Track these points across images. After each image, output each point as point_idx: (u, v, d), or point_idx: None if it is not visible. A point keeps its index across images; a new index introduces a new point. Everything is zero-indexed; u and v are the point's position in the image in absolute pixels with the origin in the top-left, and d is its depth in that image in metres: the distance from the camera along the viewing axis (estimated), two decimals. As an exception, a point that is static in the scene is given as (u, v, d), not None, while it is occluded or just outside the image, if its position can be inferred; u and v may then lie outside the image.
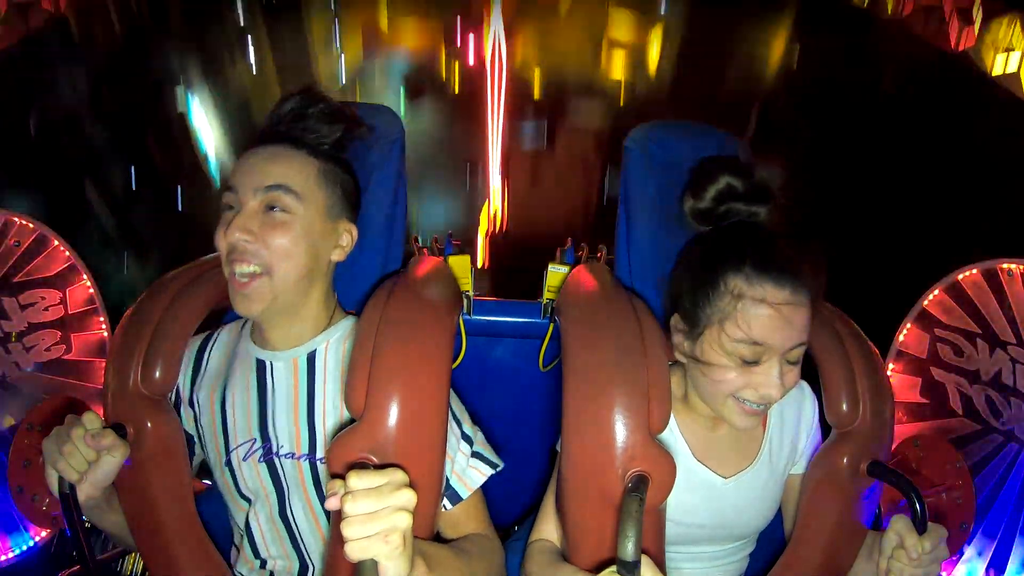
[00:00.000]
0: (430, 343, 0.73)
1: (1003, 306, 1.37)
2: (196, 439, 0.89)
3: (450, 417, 0.80)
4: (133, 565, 1.38)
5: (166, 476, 0.81)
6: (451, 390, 0.79)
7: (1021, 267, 1.36)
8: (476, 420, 0.89)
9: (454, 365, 0.88)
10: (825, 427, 0.90)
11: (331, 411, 0.82)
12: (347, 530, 0.57)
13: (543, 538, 0.86)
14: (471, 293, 1.14)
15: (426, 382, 0.71)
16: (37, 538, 1.39)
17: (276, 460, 0.83)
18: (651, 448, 0.69)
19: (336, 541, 0.65)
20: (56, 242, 1.50)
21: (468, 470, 0.84)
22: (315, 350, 0.84)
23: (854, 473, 0.83)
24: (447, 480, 0.82)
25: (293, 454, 0.82)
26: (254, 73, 3.32)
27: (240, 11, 3.24)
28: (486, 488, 0.86)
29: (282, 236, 0.78)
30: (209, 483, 1.01)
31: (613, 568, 0.60)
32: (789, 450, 0.90)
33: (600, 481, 0.70)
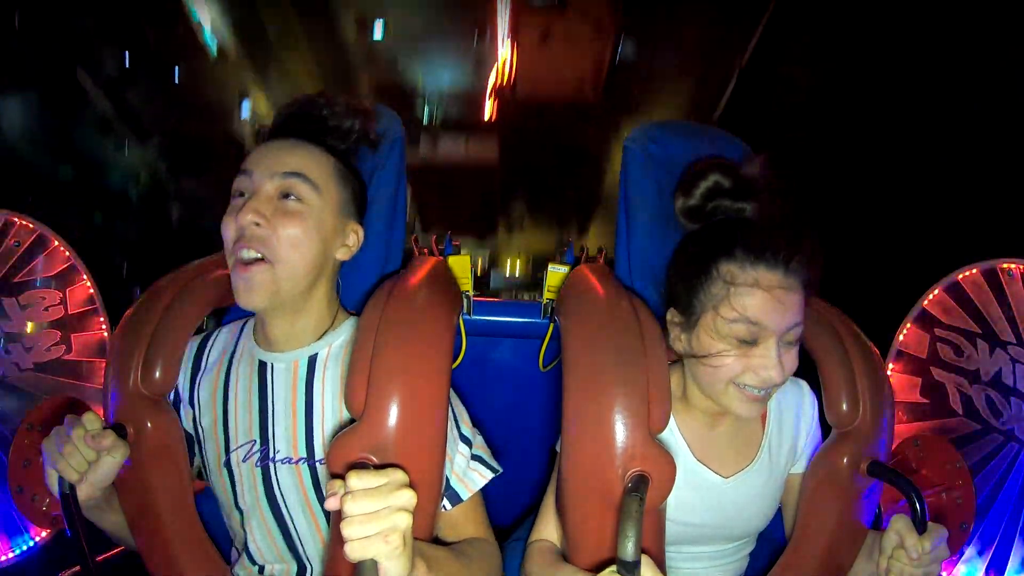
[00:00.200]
0: (430, 343, 0.73)
1: (1003, 306, 1.37)
2: (195, 439, 0.88)
3: (450, 417, 0.80)
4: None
5: (166, 476, 0.81)
6: (451, 391, 0.79)
7: (1021, 267, 1.36)
8: (476, 420, 0.89)
9: (454, 365, 0.88)
10: (825, 427, 0.90)
11: (329, 415, 0.82)
12: (347, 530, 0.57)
13: (543, 538, 0.86)
14: (471, 293, 1.14)
15: (426, 382, 0.71)
16: (37, 538, 1.39)
17: (271, 466, 0.82)
18: (651, 448, 0.69)
19: (336, 541, 0.65)
20: (56, 242, 1.49)
21: (469, 472, 0.84)
22: (316, 354, 0.84)
23: (854, 473, 0.83)
24: (447, 480, 0.82)
25: (290, 458, 0.82)
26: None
27: None
28: (485, 488, 0.86)
29: (294, 226, 0.77)
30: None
31: (613, 568, 0.60)
32: (789, 450, 0.90)
33: (600, 481, 0.70)
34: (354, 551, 0.57)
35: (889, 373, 1.49)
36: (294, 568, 0.85)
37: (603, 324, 0.76)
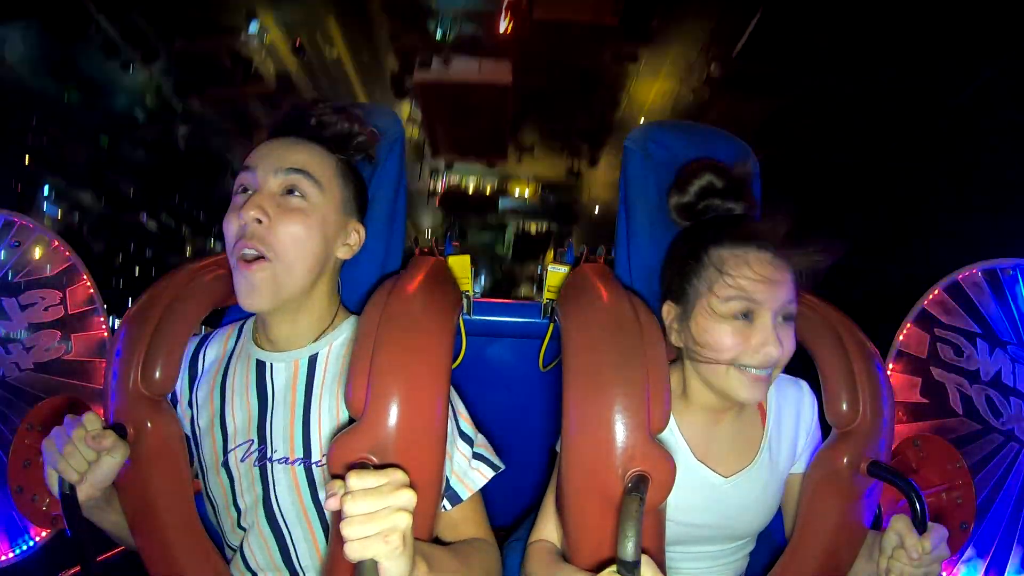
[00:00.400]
0: (430, 343, 0.73)
1: (1003, 306, 1.37)
2: (192, 440, 0.88)
3: (450, 416, 0.80)
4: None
5: (166, 476, 0.81)
6: (452, 389, 0.79)
7: (1021, 267, 1.36)
8: (476, 420, 0.89)
9: (454, 365, 0.88)
10: (825, 427, 0.90)
11: (327, 416, 0.81)
12: (347, 530, 0.57)
13: (543, 538, 0.86)
14: (471, 293, 1.14)
15: (426, 382, 0.71)
16: (37, 538, 1.39)
17: (268, 465, 0.82)
18: (651, 448, 0.69)
19: (336, 541, 0.65)
20: (56, 242, 1.50)
21: (470, 472, 0.83)
22: (317, 353, 0.84)
23: (854, 473, 0.83)
24: (447, 480, 0.82)
25: (287, 459, 0.81)
26: None
27: None
28: (486, 488, 0.86)
29: (296, 224, 0.77)
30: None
31: (613, 568, 0.60)
32: (789, 449, 0.90)
33: (600, 481, 0.70)
34: (354, 551, 0.57)
35: (889, 373, 1.49)
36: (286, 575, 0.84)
37: (603, 324, 0.76)
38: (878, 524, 1.01)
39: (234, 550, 0.86)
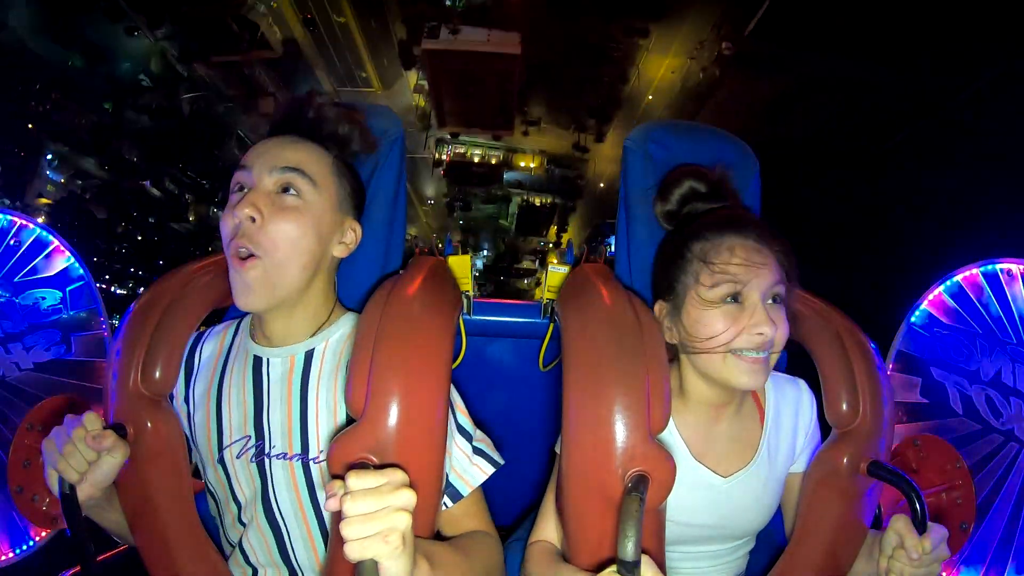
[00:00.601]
0: (430, 343, 0.73)
1: (1003, 306, 1.37)
2: (188, 437, 0.88)
3: (450, 414, 0.80)
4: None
5: (166, 476, 0.81)
6: (452, 386, 0.79)
7: (1021, 267, 1.36)
8: (476, 420, 0.89)
9: (454, 365, 0.88)
10: (825, 427, 0.90)
11: (324, 411, 0.82)
12: (346, 530, 0.57)
13: (543, 539, 0.86)
14: (471, 293, 1.14)
15: (426, 382, 0.71)
16: (37, 538, 1.39)
17: (266, 461, 0.82)
18: (651, 448, 0.69)
19: (336, 541, 0.65)
20: (56, 242, 1.50)
21: (470, 468, 0.84)
22: (313, 348, 0.84)
23: (854, 473, 0.83)
24: (447, 478, 0.82)
25: (285, 454, 0.82)
26: None
27: None
28: (486, 488, 0.86)
29: (289, 222, 0.78)
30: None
31: (613, 568, 0.60)
32: (787, 449, 0.90)
33: (600, 481, 0.70)
34: (353, 551, 0.57)
35: (889, 373, 1.49)
36: (285, 573, 0.84)
37: (603, 324, 0.76)
38: (878, 524, 1.01)
39: (233, 546, 0.86)
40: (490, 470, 0.85)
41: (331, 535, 0.73)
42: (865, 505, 0.84)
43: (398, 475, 0.61)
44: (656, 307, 0.87)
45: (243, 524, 0.84)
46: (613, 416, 0.69)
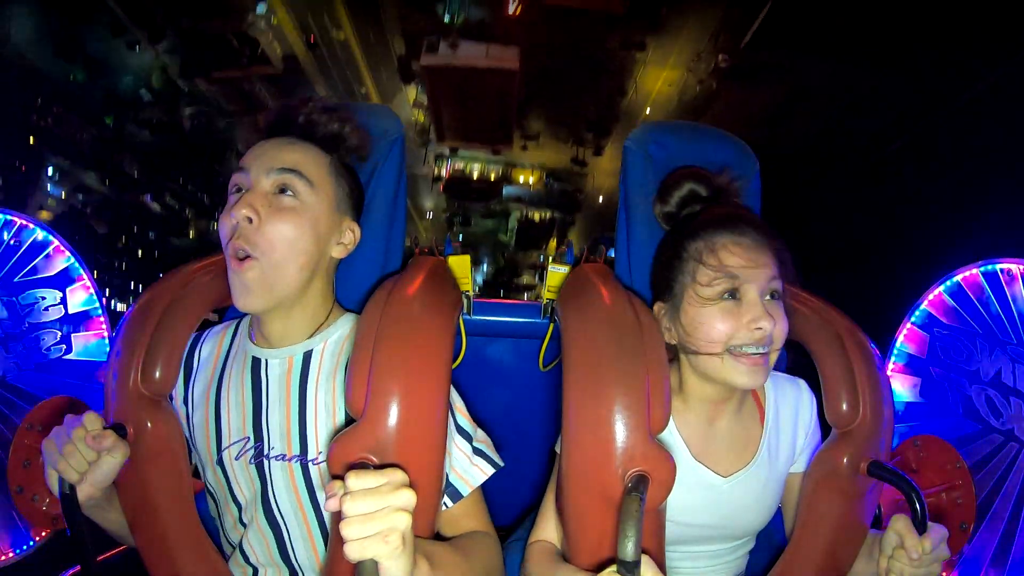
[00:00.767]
0: (430, 343, 0.73)
1: (1003, 306, 1.37)
2: (187, 437, 0.88)
3: (450, 413, 0.80)
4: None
5: (166, 476, 0.81)
6: (452, 386, 0.79)
7: (1021, 267, 1.36)
8: (476, 420, 0.89)
9: (454, 365, 0.89)
10: (825, 427, 0.90)
11: (323, 412, 0.81)
12: (346, 530, 0.57)
13: (543, 539, 0.86)
14: (471, 293, 1.14)
15: (426, 382, 0.71)
16: (37, 538, 1.39)
17: (265, 462, 0.82)
18: (651, 448, 0.69)
19: (336, 541, 0.65)
20: (56, 242, 1.50)
21: (470, 468, 0.84)
22: (311, 349, 0.84)
23: (854, 473, 0.83)
24: (448, 478, 0.82)
25: (284, 455, 0.81)
26: None
27: None
28: (486, 488, 0.86)
29: (286, 224, 0.78)
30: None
31: (613, 568, 0.59)
32: (788, 449, 0.90)
33: (600, 481, 0.70)
34: (353, 551, 0.57)
35: (889, 373, 1.49)
36: (286, 572, 0.85)
37: (603, 324, 0.76)
38: (878, 524, 1.01)
39: (234, 547, 0.86)
40: (490, 471, 0.85)
41: (331, 535, 0.73)
42: (865, 505, 0.84)
43: (398, 475, 0.61)
44: (655, 308, 0.87)
45: (243, 525, 0.84)
46: (613, 416, 0.69)
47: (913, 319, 1.50)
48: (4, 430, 1.39)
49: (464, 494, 0.83)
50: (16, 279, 1.47)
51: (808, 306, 0.93)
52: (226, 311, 1.01)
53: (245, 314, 0.91)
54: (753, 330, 0.77)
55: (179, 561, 0.80)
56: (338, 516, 0.59)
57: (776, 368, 0.94)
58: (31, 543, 1.39)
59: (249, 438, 0.83)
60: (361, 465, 0.64)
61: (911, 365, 1.50)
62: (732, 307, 0.79)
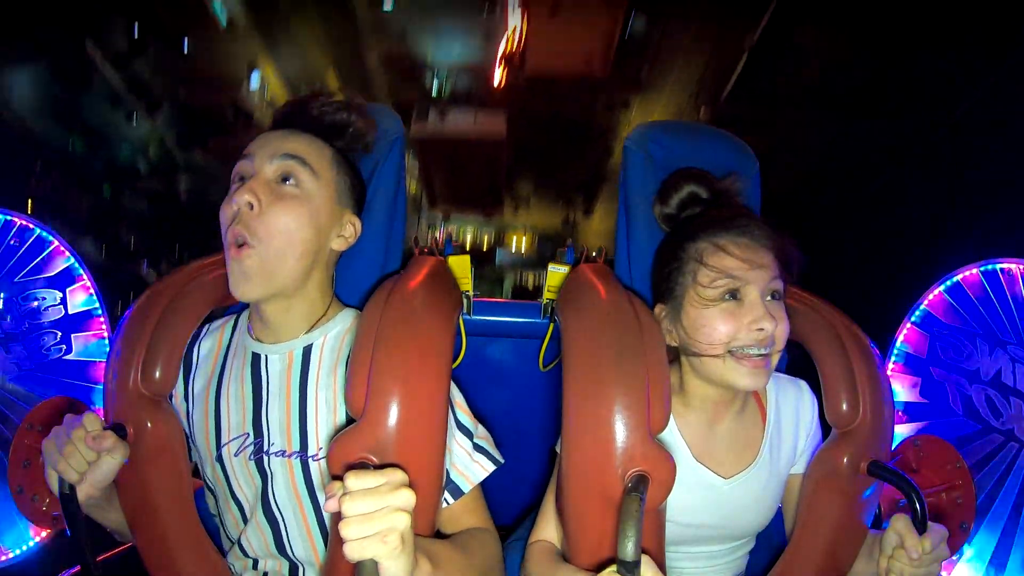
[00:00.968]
0: (430, 343, 0.73)
1: (1003, 306, 1.37)
2: (187, 435, 0.88)
3: (450, 410, 0.80)
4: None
5: (166, 476, 0.81)
6: (452, 383, 0.79)
7: (1021, 267, 1.36)
8: (476, 420, 0.89)
9: (454, 365, 0.88)
10: (825, 427, 0.90)
11: (323, 408, 0.81)
12: (345, 530, 0.57)
13: (543, 539, 0.86)
14: (471, 293, 1.14)
15: (426, 382, 0.71)
16: (37, 538, 1.39)
17: (265, 459, 0.82)
18: (651, 448, 0.69)
19: (336, 541, 0.65)
20: (56, 242, 1.50)
21: (471, 464, 0.84)
22: (311, 344, 0.84)
23: (854, 473, 0.82)
24: (448, 474, 0.82)
25: (284, 451, 0.81)
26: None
27: None
28: (486, 487, 0.86)
29: (287, 212, 0.78)
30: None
31: (613, 568, 0.59)
32: (789, 450, 0.90)
33: (600, 481, 0.70)
34: (352, 551, 0.57)
35: (889, 373, 1.49)
36: (286, 566, 0.85)
37: (603, 324, 0.76)
38: (878, 524, 1.01)
39: (233, 542, 0.86)
40: (491, 467, 0.85)
41: (331, 535, 0.73)
42: (865, 505, 0.84)
43: (397, 475, 0.61)
44: (656, 310, 0.87)
45: (243, 520, 0.85)
46: (613, 416, 0.69)
47: (913, 319, 1.50)
48: (4, 430, 1.39)
49: (465, 491, 0.83)
50: (16, 279, 1.47)
51: (808, 306, 0.93)
52: (226, 311, 1.01)
53: (244, 308, 0.91)
54: (755, 331, 0.77)
55: (179, 561, 0.80)
56: (338, 516, 0.59)
57: (776, 369, 0.94)
58: (31, 543, 1.39)
59: (249, 434, 0.83)
60: (361, 465, 0.64)
61: (911, 365, 1.50)
62: (733, 308, 0.78)
